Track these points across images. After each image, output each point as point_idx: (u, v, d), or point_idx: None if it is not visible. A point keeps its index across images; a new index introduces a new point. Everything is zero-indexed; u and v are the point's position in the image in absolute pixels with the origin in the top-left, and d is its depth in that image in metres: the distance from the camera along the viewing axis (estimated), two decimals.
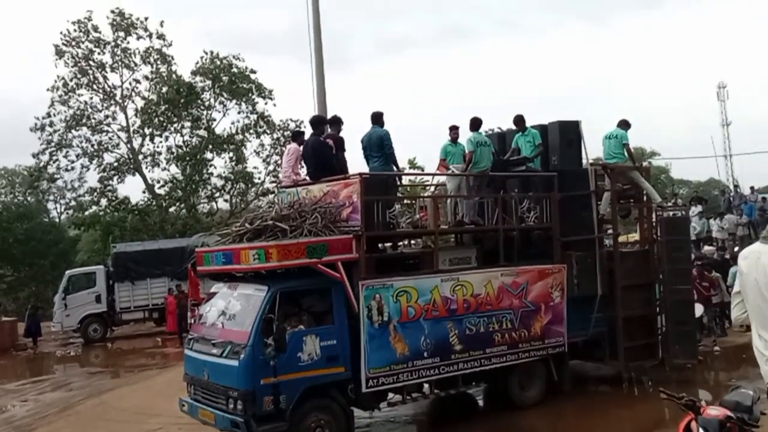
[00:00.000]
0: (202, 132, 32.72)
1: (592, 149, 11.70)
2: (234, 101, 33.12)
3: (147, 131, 32.20)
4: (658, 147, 50.00)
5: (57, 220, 46.05)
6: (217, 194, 33.65)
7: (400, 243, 11.18)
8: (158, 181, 32.59)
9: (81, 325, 23.47)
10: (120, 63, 32.00)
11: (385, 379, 9.03)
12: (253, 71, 33.01)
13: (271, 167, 32.88)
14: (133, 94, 32.36)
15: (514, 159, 11.45)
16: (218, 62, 32.80)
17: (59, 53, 31.15)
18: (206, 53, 32.98)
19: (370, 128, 10.22)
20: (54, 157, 31.53)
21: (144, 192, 32.73)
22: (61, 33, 31.09)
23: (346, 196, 9.33)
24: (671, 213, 12.59)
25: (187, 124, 32.65)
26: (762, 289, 3.88)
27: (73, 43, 31.24)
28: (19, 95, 75.24)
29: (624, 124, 12.10)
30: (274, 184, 27.51)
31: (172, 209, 33.24)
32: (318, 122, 10.62)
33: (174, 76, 32.42)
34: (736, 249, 18.78)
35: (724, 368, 12.95)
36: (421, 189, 15.42)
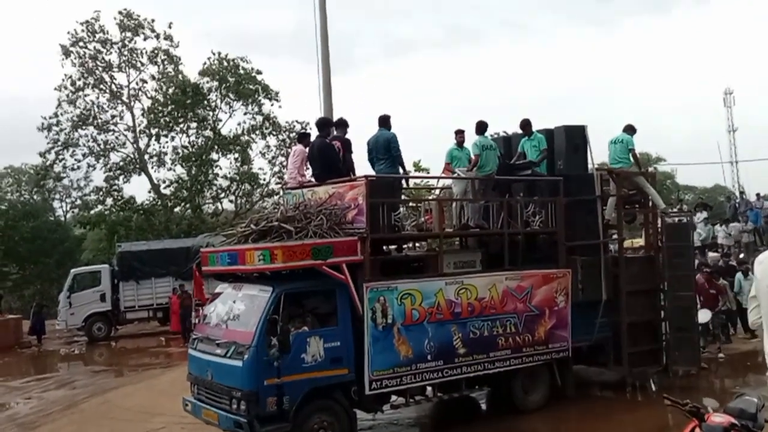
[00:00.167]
0: (208, 132, 32.85)
1: (597, 153, 11.68)
2: (240, 102, 33.25)
3: (153, 131, 32.34)
4: (663, 152, 49.97)
5: (62, 218, 46.15)
6: (223, 195, 33.80)
7: (405, 246, 11.19)
8: (164, 181, 32.78)
9: (85, 323, 23.52)
10: (127, 63, 32.16)
11: (389, 382, 9.04)
12: (258, 72, 33.20)
13: (276, 168, 33.05)
14: (140, 93, 32.56)
15: (519, 163, 11.46)
16: (226, 63, 32.93)
17: (66, 53, 31.34)
18: (213, 54, 33.21)
19: (377, 131, 10.24)
20: (60, 156, 31.71)
21: (149, 192, 32.96)
22: (68, 32, 31.35)
23: (352, 198, 9.34)
24: (676, 219, 12.58)
25: (193, 124, 32.79)
26: None
27: (80, 43, 31.41)
28: (26, 94, 75.64)
29: (630, 129, 12.08)
30: (280, 186, 27.56)
31: (177, 209, 33.36)
32: (324, 124, 10.63)
33: (180, 76, 32.56)
34: (741, 256, 18.73)
35: (728, 375, 12.92)
36: (426, 192, 15.42)
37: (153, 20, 32.07)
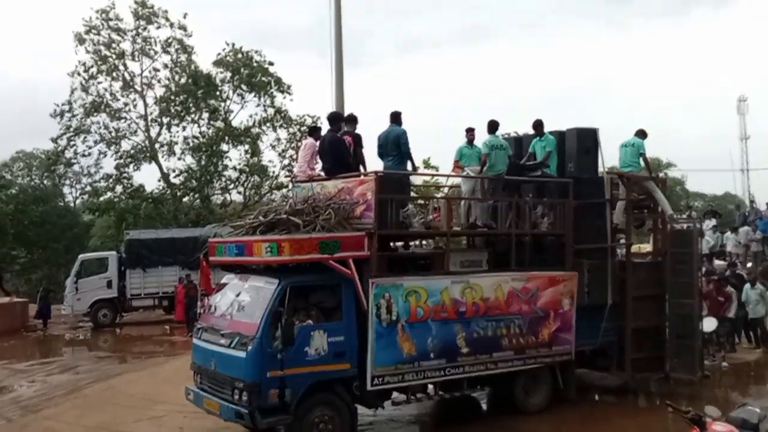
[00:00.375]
0: (219, 123, 32.92)
1: (607, 156, 11.61)
2: (252, 94, 33.29)
3: (165, 120, 32.44)
4: (674, 158, 49.68)
5: (72, 204, 46.35)
6: (232, 186, 33.84)
7: (412, 243, 11.19)
8: (174, 171, 32.87)
9: (91, 309, 23.60)
10: (140, 51, 32.24)
11: (391, 378, 9.06)
12: (270, 63, 33.22)
13: (286, 161, 33.05)
14: (153, 82, 32.65)
15: (529, 164, 11.43)
16: (240, 55, 32.97)
17: (80, 40, 31.43)
18: (228, 45, 33.29)
19: (388, 126, 10.24)
20: (72, 142, 31.84)
21: (159, 180, 33.06)
22: (83, 19, 31.45)
23: (361, 193, 9.34)
24: (685, 226, 12.52)
25: (205, 115, 32.86)
26: None
27: (94, 31, 31.51)
28: (39, 80, 76.02)
29: (641, 134, 12.04)
30: (289, 178, 27.59)
31: (186, 199, 33.46)
32: (335, 119, 10.63)
33: (192, 66, 32.62)
34: (749, 264, 18.64)
35: (731, 384, 12.87)
36: (435, 190, 15.41)
37: (166, 11, 32.22)
